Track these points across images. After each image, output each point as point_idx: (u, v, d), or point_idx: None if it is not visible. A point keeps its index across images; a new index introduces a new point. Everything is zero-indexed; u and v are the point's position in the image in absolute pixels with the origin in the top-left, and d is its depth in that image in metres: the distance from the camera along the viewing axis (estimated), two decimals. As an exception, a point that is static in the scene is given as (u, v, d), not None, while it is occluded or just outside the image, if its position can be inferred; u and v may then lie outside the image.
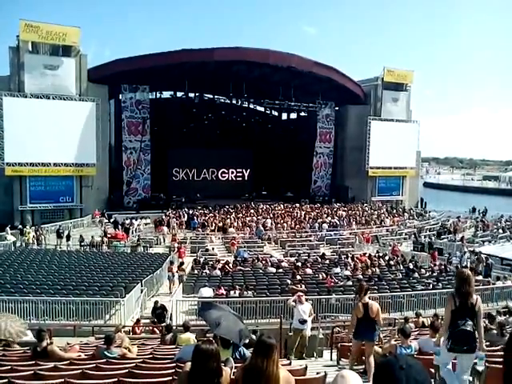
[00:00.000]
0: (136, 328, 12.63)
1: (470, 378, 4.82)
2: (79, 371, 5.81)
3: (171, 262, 20.12)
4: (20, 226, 28.76)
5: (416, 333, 9.05)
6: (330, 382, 2.52)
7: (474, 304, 4.75)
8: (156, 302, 13.30)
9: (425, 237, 30.83)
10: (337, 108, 46.36)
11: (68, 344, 8.05)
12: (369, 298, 7.27)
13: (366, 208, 40.82)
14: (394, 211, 41.40)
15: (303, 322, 9.70)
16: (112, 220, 32.22)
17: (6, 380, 4.97)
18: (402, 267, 19.96)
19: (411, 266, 19.48)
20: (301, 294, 10.56)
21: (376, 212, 39.42)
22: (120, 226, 30.04)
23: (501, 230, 34.44)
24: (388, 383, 1.54)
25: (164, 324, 11.44)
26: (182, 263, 19.88)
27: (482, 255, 21.74)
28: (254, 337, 7.19)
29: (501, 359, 5.81)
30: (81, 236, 26.89)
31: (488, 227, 35.49)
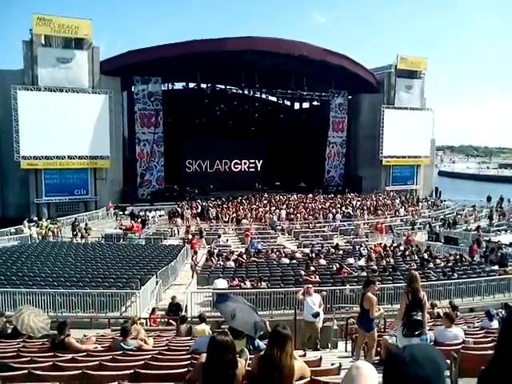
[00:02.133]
0: (152, 317, 12.79)
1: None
2: (96, 363, 5.89)
3: (195, 252, 20.34)
4: (36, 219, 29.14)
5: (431, 323, 9.00)
6: (345, 373, 2.53)
7: (421, 299, 6.01)
8: (173, 298, 13.34)
9: (439, 226, 30.57)
10: (350, 97, 45.96)
11: (85, 336, 8.16)
12: (372, 290, 7.38)
13: (380, 198, 40.55)
14: (409, 201, 41.08)
15: (316, 315, 9.69)
16: (127, 212, 32.45)
17: (26, 371, 5.06)
18: (416, 257, 19.83)
19: (426, 256, 19.35)
20: (310, 285, 10.53)
21: (390, 201, 39.16)
22: (135, 218, 30.26)
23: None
24: (389, 378, 1.50)
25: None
26: (195, 252, 19.99)
27: (493, 244, 21.49)
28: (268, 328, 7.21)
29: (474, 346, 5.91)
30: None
31: (504, 216, 35.05)
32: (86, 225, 28.25)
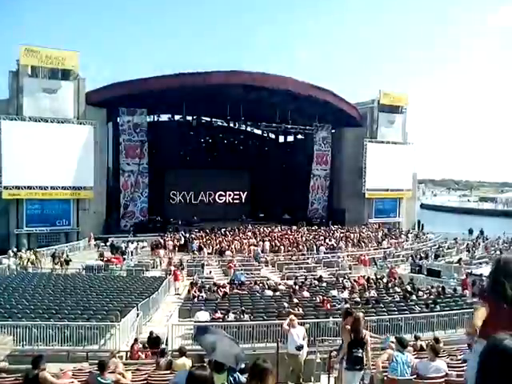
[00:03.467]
0: (135, 347, 12.51)
1: None
2: (71, 398, 5.73)
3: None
4: (15, 250, 28.61)
5: (414, 356, 8.94)
6: None
7: (363, 337, 6.71)
8: (151, 332, 13.10)
9: (420, 259, 30.71)
10: (333, 130, 46.77)
11: (61, 370, 7.92)
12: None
13: (364, 230, 40.77)
14: (392, 233, 41.35)
15: (299, 348, 9.58)
16: (109, 243, 32.05)
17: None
18: (399, 289, 19.82)
19: (409, 289, 19.36)
20: (293, 317, 10.42)
21: (373, 234, 39.36)
22: (116, 250, 29.89)
23: (498, 252, 34.34)
24: None
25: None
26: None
27: (475, 277, 21.58)
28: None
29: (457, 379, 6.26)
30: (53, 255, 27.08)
31: (486, 249, 35.43)
32: (68, 256, 27.80)
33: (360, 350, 6.66)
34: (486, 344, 1.61)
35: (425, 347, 10.20)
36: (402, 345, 7.07)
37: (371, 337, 8.77)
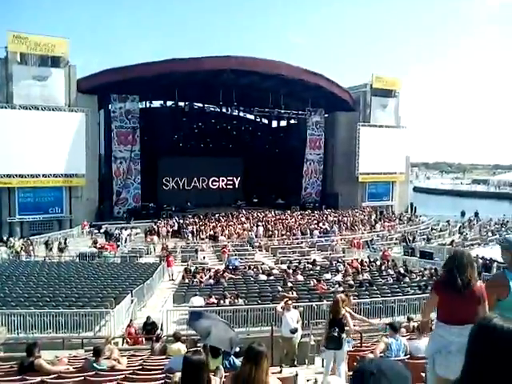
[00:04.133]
0: (130, 329, 12.63)
1: (345, 367, 7.06)
2: (67, 384, 5.76)
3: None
4: (5, 238, 28.57)
5: (407, 337, 9.05)
6: None
7: (341, 318, 7.00)
8: (148, 318, 13.18)
9: (413, 240, 30.95)
10: (326, 115, 46.59)
11: (56, 357, 7.96)
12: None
13: (357, 214, 40.94)
14: (385, 216, 41.57)
15: (294, 331, 9.67)
16: (102, 230, 32.01)
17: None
18: (392, 272, 19.99)
19: (402, 271, 19.54)
20: (289, 301, 10.51)
21: (366, 218, 39.56)
22: (110, 237, 29.90)
23: (490, 233, 34.67)
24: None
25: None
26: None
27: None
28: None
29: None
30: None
31: (480, 230, 35.79)
32: (65, 243, 27.79)
33: (336, 330, 6.90)
34: (475, 324, 1.65)
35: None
36: (394, 329, 7.18)
37: (364, 321, 8.91)
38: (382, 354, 6.60)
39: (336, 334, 6.89)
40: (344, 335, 7.01)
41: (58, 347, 10.81)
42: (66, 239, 28.94)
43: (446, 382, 3.41)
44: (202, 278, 18.82)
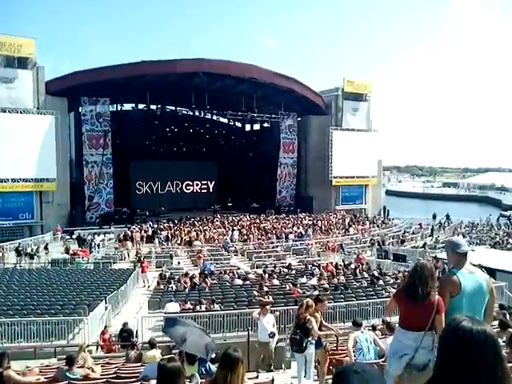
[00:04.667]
0: (104, 335, 12.42)
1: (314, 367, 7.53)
2: (39, 395, 5.60)
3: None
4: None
5: (383, 338, 9.13)
6: None
7: (305, 322, 7.05)
8: (125, 324, 12.95)
9: (388, 244, 31.38)
10: (299, 118, 46.88)
11: (27, 367, 7.74)
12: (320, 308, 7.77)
13: (331, 217, 41.27)
14: (358, 219, 42.03)
15: (273, 335, 9.67)
16: (75, 236, 31.40)
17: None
18: (367, 275, 20.20)
19: (376, 274, 19.75)
20: (267, 306, 10.51)
21: (340, 221, 39.91)
22: (83, 243, 29.36)
23: (461, 236, 35.40)
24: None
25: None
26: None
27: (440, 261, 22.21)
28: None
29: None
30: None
31: (453, 232, 36.54)
32: (35, 250, 27.24)
33: (299, 333, 7.11)
34: (446, 325, 1.76)
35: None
36: (356, 324, 7.38)
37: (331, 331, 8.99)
38: (353, 348, 6.70)
39: (298, 337, 7.10)
40: (309, 338, 7.13)
41: (30, 357, 10.52)
42: (38, 247, 28.48)
43: (400, 379, 3.92)
44: (185, 282, 18.63)
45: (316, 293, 15.69)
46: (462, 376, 1.57)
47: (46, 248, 27.90)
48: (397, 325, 4.28)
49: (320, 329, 7.44)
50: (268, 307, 10.35)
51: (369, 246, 31.42)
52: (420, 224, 39.89)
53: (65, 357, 7.41)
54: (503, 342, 6.34)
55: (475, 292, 3.80)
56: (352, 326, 7.72)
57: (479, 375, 1.56)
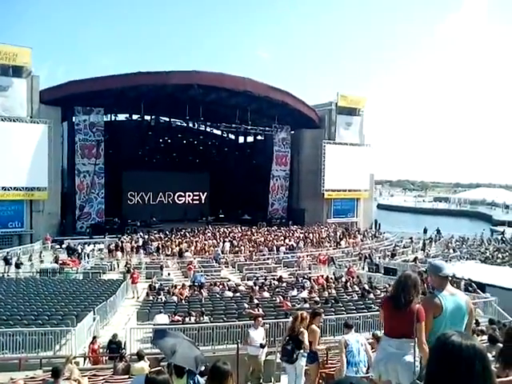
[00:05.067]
0: (93, 346, 12.29)
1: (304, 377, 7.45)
2: (23, 408, 5.50)
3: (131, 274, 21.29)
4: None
5: (373, 351, 9.10)
6: None
7: (298, 334, 7.13)
8: (114, 336, 12.81)
9: (379, 258, 31.42)
10: (292, 132, 47.16)
11: (12, 380, 7.62)
12: (317, 322, 7.75)
13: (322, 230, 41.31)
14: (350, 233, 42.08)
15: (262, 346, 9.65)
16: (64, 246, 31.15)
17: None
18: (357, 288, 20.19)
19: (366, 287, 19.74)
20: (259, 318, 10.51)
21: (332, 234, 39.95)
22: (72, 252, 29.12)
23: (451, 250, 35.55)
24: None
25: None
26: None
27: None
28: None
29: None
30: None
31: (447, 246, 36.67)
32: (19, 259, 26.98)
33: (290, 344, 7.17)
34: (436, 340, 1.77)
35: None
36: (347, 326, 7.48)
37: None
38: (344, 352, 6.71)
39: (289, 348, 7.17)
40: (301, 351, 7.15)
41: (14, 368, 10.33)
42: (31, 255, 28.34)
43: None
44: (181, 294, 18.51)
45: (307, 306, 15.68)
46: None
47: (29, 259, 27.70)
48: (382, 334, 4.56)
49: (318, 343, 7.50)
50: (260, 319, 10.33)
51: (359, 260, 31.43)
52: (411, 238, 40.01)
53: (51, 368, 7.30)
54: (493, 356, 6.34)
55: (456, 313, 4.03)
56: (344, 327, 7.86)
57: None
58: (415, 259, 30.42)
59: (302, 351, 7.18)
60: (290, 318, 14.01)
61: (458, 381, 1.59)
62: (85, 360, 12.02)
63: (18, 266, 25.57)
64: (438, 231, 44.75)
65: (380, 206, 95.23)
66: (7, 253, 27.39)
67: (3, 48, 32.05)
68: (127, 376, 8.17)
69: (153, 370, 5.20)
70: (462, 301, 4.14)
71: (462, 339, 1.66)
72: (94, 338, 12.75)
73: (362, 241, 39.17)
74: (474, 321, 14.23)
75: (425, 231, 45.79)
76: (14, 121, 32.37)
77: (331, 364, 8.79)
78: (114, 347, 12.20)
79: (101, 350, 12.53)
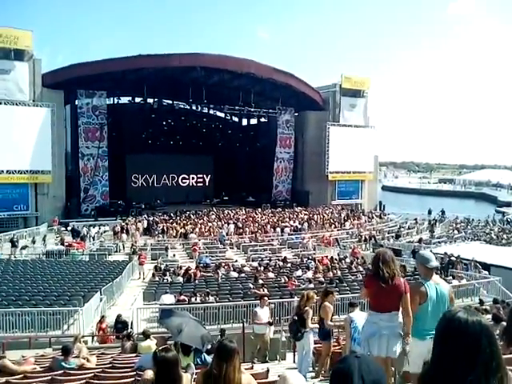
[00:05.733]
0: (102, 325, 12.47)
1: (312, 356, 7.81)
2: (33, 384, 5.60)
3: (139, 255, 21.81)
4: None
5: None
6: None
7: (302, 313, 7.43)
8: (119, 316, 12.99)
9: (383, 239, 31.47)
10: (296, 114, 46.87)
11: (23, 357, 7.74)
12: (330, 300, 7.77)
13: (327, 212, 41.33)
14: (354, 214, 42.10)
15: (271, 323, 9.84)
16: (69, 228, 31.34)
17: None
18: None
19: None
20: (266, 298, 10.65)
21: (336, 215, 39.98)
22: (78, 234, 29.32)
23: (456, 231, 35.56)
24: (342, 368, 1.63)
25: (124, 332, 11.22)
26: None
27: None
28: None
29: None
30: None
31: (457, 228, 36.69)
32: (21, 239, 27.25)
33: (296, 322, 7.48)
34: (442, 317, 1.78)
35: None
36: (352, 305, 7.46)
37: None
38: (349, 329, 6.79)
39: (294, 326, 7.49)
40: (306, 329, 7.44)
41: (25, 347, 10.52)
42: (34, 238, 28.38)
43: (377, 359, 4.27)
44: (195, 275, 18.65)
45: (311, 286, 15.80)
46: (458, 366, 1.59)
47: (33, 241, 27.91)
48: (368, 310, 4.90)
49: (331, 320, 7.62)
50: (266, 299, 10.45)
51: (364, 241, 31.47)
52: (415, 219, 40.01)
53: (60, 347, 7.41)
54: (497, 335, 6.38)
55: (438, 300, 4.38)
56: (348, 307, 8.07)
57: (474, 365, 1.57)
58: (420, 240, 30.47)
59: (306, 329, 7.41)
60: (295, 299, 14.18)
61: (465, 357, 1.59)
62: (93, 339, 12.20)
63: (24, 247, 25.81)
64: (443, 212, 44.72)
65: (385, 188, 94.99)
66: (13, 235, 27.62)
67: (4, 31, 31.80)
68: (134, 354, 8.29)
69: (160, 347, 5.27)
70: (445, 289, 4.50)
71: (468, 315, 1.67)
72: (103, 317, 12.94)
73: (367, 222, 39.17)
74: (479, 301, 14.38)
75: (429, 212, 45.76)
76: (16, 104, 32.30)
77: (337, 343, 8.88)
78: (120, 327, 12.40)
79: (109, 330, 12.70)
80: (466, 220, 41.44)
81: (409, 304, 4.35)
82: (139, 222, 33.18)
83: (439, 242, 30.30)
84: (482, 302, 13.56)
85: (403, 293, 4.38)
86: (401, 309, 4.43)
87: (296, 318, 7.58)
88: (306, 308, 7.57)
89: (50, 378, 6.03)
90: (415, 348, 4.24)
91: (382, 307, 4.49)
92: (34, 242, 27.96)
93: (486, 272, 19.50)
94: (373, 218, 41.79)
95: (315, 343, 8.04)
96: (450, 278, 18.13)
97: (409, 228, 37.02)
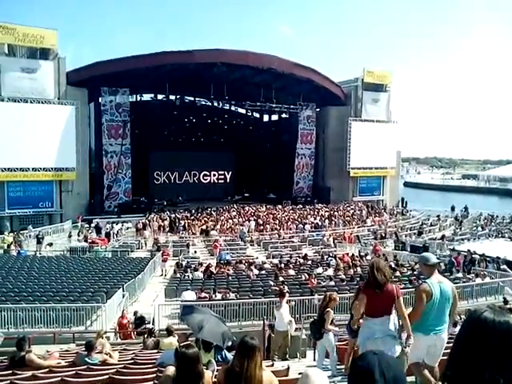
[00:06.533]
0: (122, 320, 12.66)
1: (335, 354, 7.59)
2: (58, 379, 5.73)
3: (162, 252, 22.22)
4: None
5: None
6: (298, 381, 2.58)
7: (323, 314, 7.45)
8: (135, 313, 13.18)
9: (405, 236, 31.12)
10: (318, 109, 46.57)
11: (47, 352, 7.92)
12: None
13: (348, 208, 41.06)
14: (376, 211, 41.74)
15: (290, 322, 9.84)
16: (93, 225, 31.82)
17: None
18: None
19: (392, 265, 19.63)
20: (287, 295, 10.72)
21: (357, 212, 39.69)
22: (101, 231, 29.75)
23: (480, 228, 34.94)
24: (362, 365, 1.62)
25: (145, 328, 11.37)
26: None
27: (463, 253, 21.93)
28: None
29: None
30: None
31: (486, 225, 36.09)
32: (43, 236, 27.78)
33: (317, 322, 7.59)
34: (467, 316, 1.73)
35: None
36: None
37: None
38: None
39: (314, 326, 7.63)
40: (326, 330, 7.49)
41: (49, 342, 10.76)
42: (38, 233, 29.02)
43: None
44: (228, 270, 18.82)
45: (332, 283, 15.76)
46: (485, 367, 1.55)
47: (69, 236, 28.70)
48: (364, 316, 5.15)
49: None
50: (287, 296, 10.48)
51: (386, 238, 31.16)
52: (438, 216, 39.42)
53: (83, 342, 7.56)
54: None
55: (442, 298, 4.70)
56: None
57: (503, 365, 1.54)
58: (443, 237, 30.02)
59: (326, 330, 7.49)
60: (315, 296, 14.16)
61: (492, 357, 1.56)
62: (115, 335, 12.38)
63: (49, 244, 26.30)
64: (466, 209, 43.96)
65: (407, 184, 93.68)
66: (39, 232, 28.17)
67: (30, 31, 32.37)
68: (156, 351, 8.39)
69: (182, 344, 5.34)
70: (448, 287, 4.82)
71: (494, 315, 1.63)
72: (123, 311, 13.13)
73: (388, 219, 38.78)
74: (503, 300, 14.09)
75: (452, 209, 45.00)
76: (42, 103, 32.82)
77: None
78: (138, 322, 12.59)
79: (130, 326, 12.89)
80: (489, 216, 40.65)
81: (403, 307, 4.80)
82: (164, 219, 33.45)
83: (462, 239, 29.83)
84: (506, 301, 13.32)
85: (395, 297, 4.79)
86: (394, 312, 4.83)
87: (317, 318, 7.70)
88: (328, 309, 7.63)
89: (74, 372, 6.16)
90: (417, 342, 4.67)
91: (376, 312, 4.89)
92: (70, 235, 28.78)
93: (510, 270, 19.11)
94: (395, 214, 41.35)
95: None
96: (473, 275, 17.80)
97: (431, 225, 36.51)
